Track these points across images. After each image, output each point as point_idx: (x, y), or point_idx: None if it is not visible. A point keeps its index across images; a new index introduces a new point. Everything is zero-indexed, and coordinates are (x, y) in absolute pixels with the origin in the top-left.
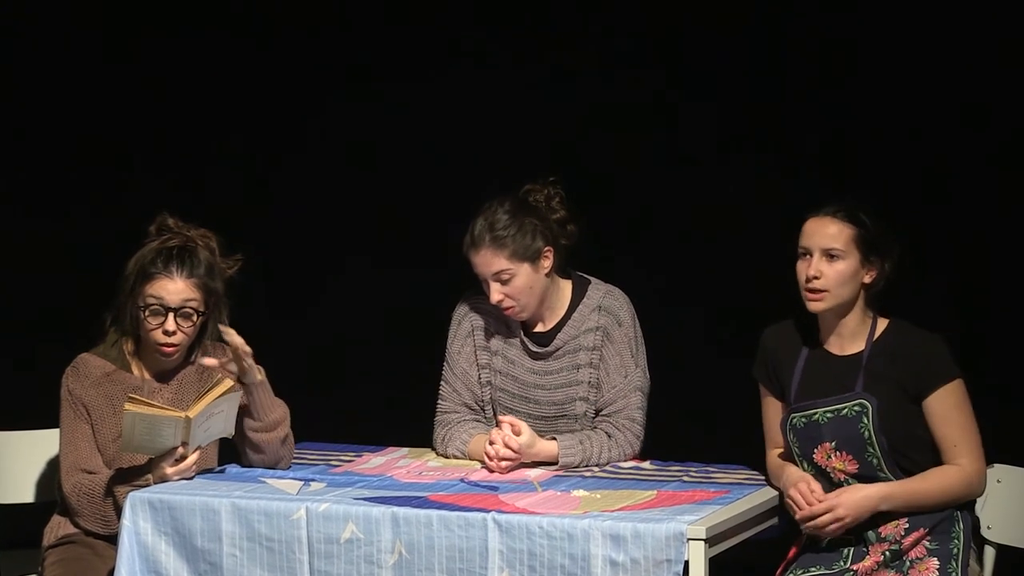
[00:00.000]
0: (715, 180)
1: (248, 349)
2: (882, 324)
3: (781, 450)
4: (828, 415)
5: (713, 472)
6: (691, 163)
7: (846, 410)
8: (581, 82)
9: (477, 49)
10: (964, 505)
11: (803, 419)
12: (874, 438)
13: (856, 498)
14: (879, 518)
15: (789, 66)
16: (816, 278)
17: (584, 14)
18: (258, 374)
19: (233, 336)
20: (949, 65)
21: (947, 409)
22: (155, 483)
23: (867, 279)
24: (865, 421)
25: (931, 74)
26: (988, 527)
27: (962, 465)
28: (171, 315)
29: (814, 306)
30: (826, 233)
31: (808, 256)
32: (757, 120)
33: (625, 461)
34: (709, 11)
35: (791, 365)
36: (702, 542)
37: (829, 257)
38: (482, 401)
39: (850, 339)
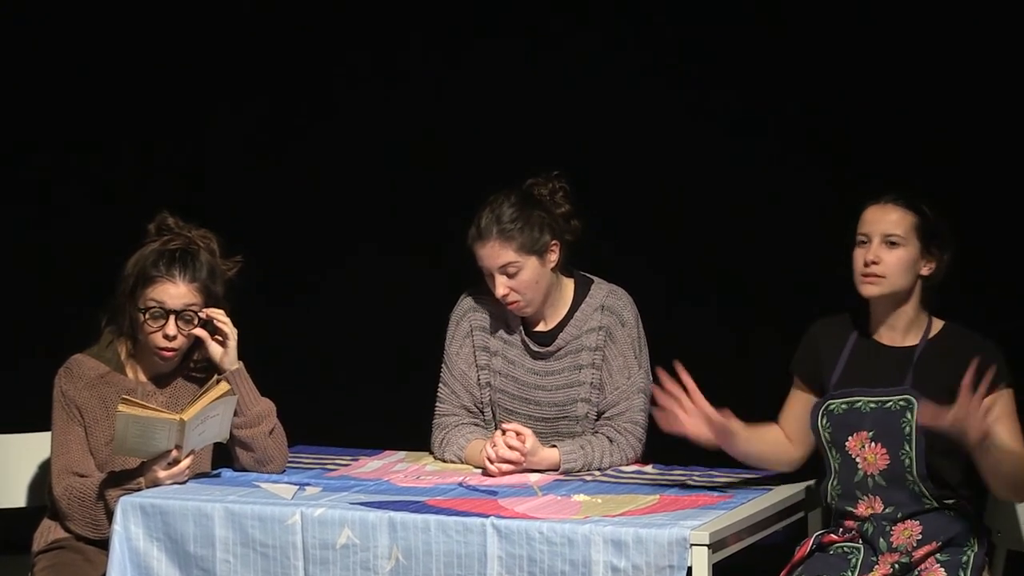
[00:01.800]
0: (720, 180)
1: (233, 331)
2: (937, 324)
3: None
4: (871, 405)
5: (717, 476)
6: (696, 162)
7: (891, 403)
8: (582, 78)
9: (478, 42)
10: (981, 518)
11: (844, 404)
12: (914, 436)
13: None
14: (892, 525)
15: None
16: (875, 263)
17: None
18: (236, 362)
19: (220, 315)
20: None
21: (996, 416)
22: (147, 487)
23: (925, 271)
24: (908, 417)
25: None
26: (998, 533)
27: None
28: (172, 318)
29: (868, 289)
30: (887, 220)
31: (866, 243)
32: (761, 119)
33: (627, 465)
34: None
35: (836, 353)
36: (705, 548)
37: (889, 244)
38: (481, 403)
39: (903, 332)
